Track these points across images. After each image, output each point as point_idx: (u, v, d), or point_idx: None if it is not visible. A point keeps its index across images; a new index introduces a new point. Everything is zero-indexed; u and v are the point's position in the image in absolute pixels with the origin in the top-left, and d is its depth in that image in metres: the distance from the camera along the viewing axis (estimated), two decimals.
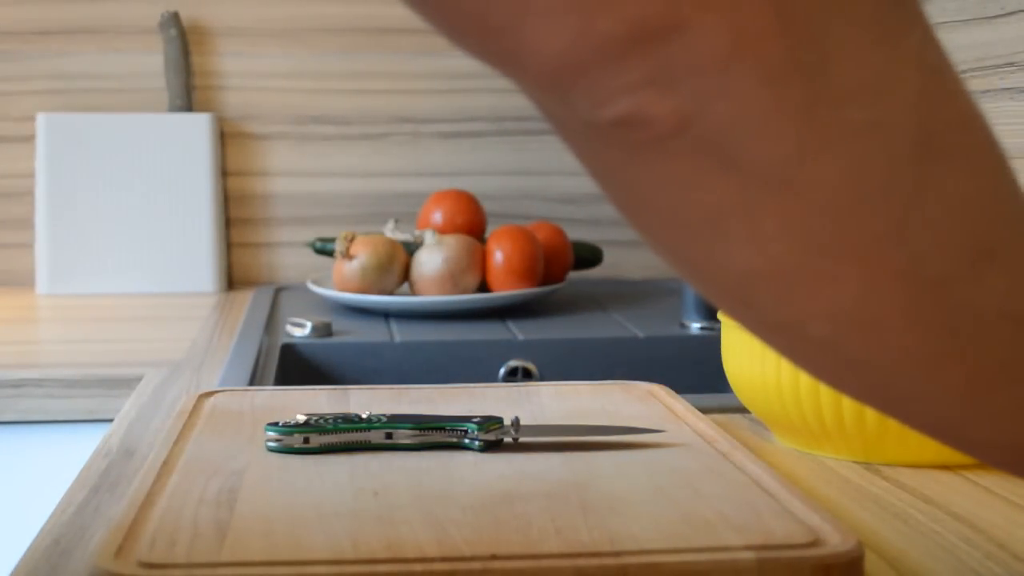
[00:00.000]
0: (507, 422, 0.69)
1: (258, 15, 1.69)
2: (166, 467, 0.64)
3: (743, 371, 0.77)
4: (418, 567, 0.50)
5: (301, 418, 0.68)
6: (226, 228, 1.69)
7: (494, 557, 0.50)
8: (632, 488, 0.61)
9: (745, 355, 0.76)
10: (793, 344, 0.37)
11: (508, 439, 0.68)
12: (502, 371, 1.23)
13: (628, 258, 1.77)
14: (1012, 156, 0.95)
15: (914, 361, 0.36)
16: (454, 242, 1.39)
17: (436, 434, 0.68)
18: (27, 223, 1.64)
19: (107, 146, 1.61)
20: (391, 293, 1.39)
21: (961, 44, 1.03)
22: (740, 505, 0.58)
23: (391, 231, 1.43)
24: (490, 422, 0.68)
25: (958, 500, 0.66)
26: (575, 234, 1.72)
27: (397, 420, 0.69)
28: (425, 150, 1.73)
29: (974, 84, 1.01)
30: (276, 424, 0.68)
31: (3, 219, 1.66)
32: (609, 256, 1.72)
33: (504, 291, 1.38)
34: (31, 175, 1.63)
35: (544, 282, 1.46)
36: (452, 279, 1.37)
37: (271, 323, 1.35)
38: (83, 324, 1.38)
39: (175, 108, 1.64)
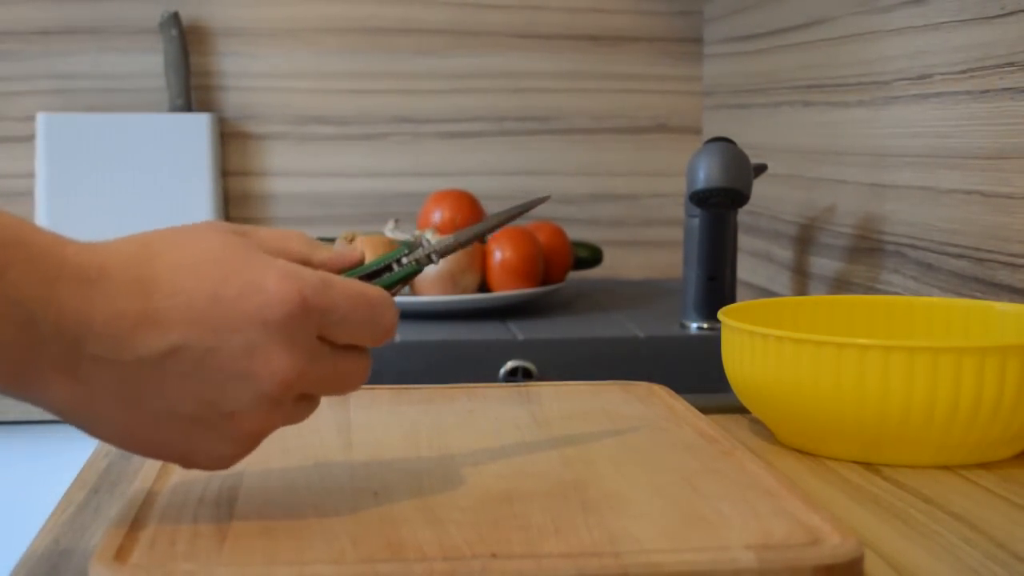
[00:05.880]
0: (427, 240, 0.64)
1: (258, 15, 1.69)
2: (166, 467, 0.64)
3: (743, 371, 0.77)
4: (418, 567, 0.50)
5: None
6: None
7: (494, 556, 0.50)
8: (632, 488, 0.61)
9: (745, 355, 0.76)
10: None
11: (432, 251, 0.63)
12: (502, 371, 1.23)
13: (628, 258, 1.77)
14: (1012, 156, 0.95)
15: None
16: None
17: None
18: None
19: (107, 146, 1.61)
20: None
21: (961, 44, 1.03)
22: (740, 505, 0.58)
23: (391, 231, 1.43)
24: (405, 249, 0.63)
25: (958, 500, 0.66)
26: (575, 234, 1.72)
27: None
28: (425, 150, 1.73)
29: (974, 84, 1.01)
30: None
31: None
32: (609, 256, 1.72)
33: (504, 291, 1.38)
34: (31, 175, 1.63)
35: (544, 282, 1.46)
36: (452, 279, 1.37)
37: None
38: None
39: (175, 108, 1.64)
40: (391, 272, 0.61)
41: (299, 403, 0.55)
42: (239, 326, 0.51)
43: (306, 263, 0.56)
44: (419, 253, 0.61)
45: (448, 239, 0.62)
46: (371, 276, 0.60)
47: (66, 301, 0.49)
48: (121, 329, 0.50)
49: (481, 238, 0.65)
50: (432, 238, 0.62)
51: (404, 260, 0.61)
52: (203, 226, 0.55)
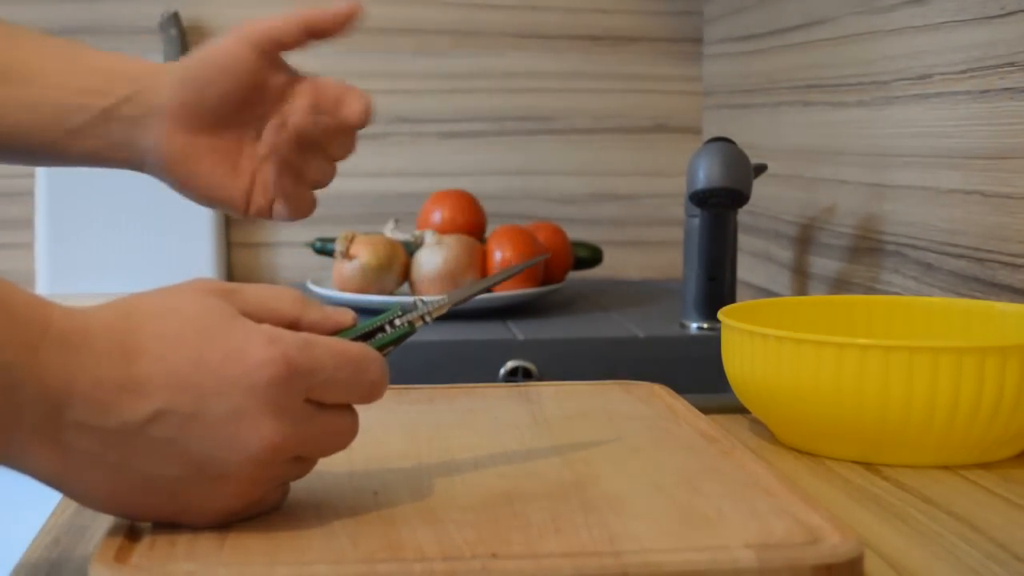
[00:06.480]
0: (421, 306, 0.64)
1: (258, 15, 1.69)
2: None
3: (743, 371, 0.77)
4: (418, 567, 0.50)
5: None
6: (226, 228, 1.69)
7: (494, 556, 0.50)
8: (632, 488, 0.61)
9: (745, 355, 0.76)
10: None
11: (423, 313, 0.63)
12: (502, 371, 1.23)
13: (628, 258, 1.77)
14: (1011, 156, 0.95)
15: None
16: (454, 242, 1.39)
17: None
18: (27, 223, 1.64)
19: None
20: (391, 293, 1.39)
21: (961, 44, 1.03)
22: (740, 504, 0.58)
23: (391, 231, 1.43)
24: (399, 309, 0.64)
25: (958, 500, 0.66)
26: (575, 234, 1.72)
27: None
28: (425, 150, 1.73)
29: (974, 84, 1.01)
30: None
31: (3, 219, 1.66)
32: (609, 256, 1.72)
33: (504, 291, 1.38)
34: (31, 175, 1.63)
35: (544, 282, 1.46)
36: (452, 279, 1.37)
37: None
38: None
39: None
40: (384, 333, 0.61)
41: (291, 463, 0.55)
42: (224, 391, 0.51)
43: (295, 324, 0.56)
44: (412, 314, 0.62)
45: (442, 299, 0.63)
46: (364, 337, 0.60)
47: (49, 366, 0.49)
48: (104, 395, 0.50)
49: (474, 298, 0.66)
50: (426, 299, 0.63)
51: (397, 321, 0.61)
52: (187, 290, 0.54)
